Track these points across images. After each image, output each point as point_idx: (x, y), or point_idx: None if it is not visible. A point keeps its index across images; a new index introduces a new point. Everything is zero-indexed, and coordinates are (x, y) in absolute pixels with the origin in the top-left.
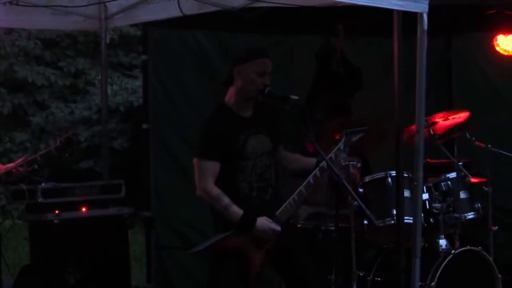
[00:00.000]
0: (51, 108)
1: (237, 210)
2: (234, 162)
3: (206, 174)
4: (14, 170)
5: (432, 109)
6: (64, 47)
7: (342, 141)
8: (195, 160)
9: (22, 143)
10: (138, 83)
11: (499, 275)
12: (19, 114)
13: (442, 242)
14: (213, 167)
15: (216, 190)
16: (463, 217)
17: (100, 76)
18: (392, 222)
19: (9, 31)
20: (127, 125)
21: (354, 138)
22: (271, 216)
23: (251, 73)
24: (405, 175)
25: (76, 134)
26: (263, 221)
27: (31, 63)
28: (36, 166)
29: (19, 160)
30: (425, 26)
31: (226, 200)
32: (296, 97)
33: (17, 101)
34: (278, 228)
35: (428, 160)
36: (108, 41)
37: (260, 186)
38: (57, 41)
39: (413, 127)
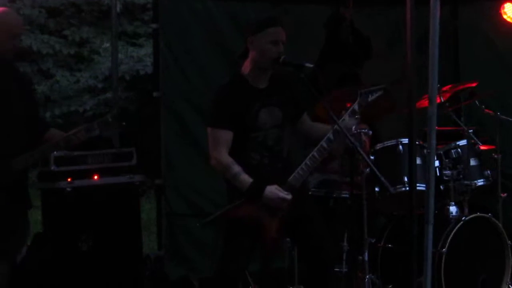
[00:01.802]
0: (56, 77)
1: (246, 179)
2: (245, 132)
3: (219, 143)
4: (73, 137)
5: (439, 77)
6: (68, 15)
7: (357, 101)
8: (208, 129)
9: None
10: (144, 51)
11: (509, 242)
12: None
13: (453, 209)
14: (225, 135)
15: (227, 159)
16: (473, 184)
17: (105, 45)
18: (403, 189)
19: None
20: (133, 93)
21: (371, 98)
22: (283, 183)
23: (264, 43)
24: (417, 142)
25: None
26: (272, 190)
27: (36, 31)
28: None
29: (78, 129)
30: None
31: (236, 168)
32: (311, 65)
33: (22, 70)
34: (288, 196)
35: (437, 128)
36: (118, 10)
37: (271, 157)
38: (61, 10)
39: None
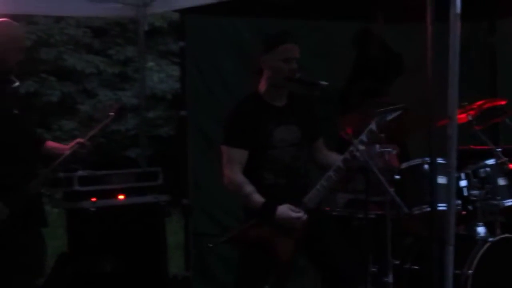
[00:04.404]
0: (99, 96)
1: (258, 199)
2: (261, 151)
3: (232, 162)
4: (78, 147)
5: (476, 95)
6: (113, 35)
7: (374, 121)
8: (222, 147)
9: (70, 131)
10: None
11: None
12: (67, 102)
13: (480, 230)
14: (240, 154)
15: (240, 178)
16: (501, 204)
17: (149, 64)
18: (428, 209)
19: (58, 19)
20: (174, 112)
21: (389, 117)
22: (298, 203)
23: (276, 61)
24: (442, 161)
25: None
26: (284, 209)
27: (80, 51)
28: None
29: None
30: (458, 10)
31: (248, 188)
32: (325, 83)
33: (66, 89)
34: (302, 215)
35: (472, 146)
36: (146, 28)
37: (288, 176)
38: (106, 29)
39: None
